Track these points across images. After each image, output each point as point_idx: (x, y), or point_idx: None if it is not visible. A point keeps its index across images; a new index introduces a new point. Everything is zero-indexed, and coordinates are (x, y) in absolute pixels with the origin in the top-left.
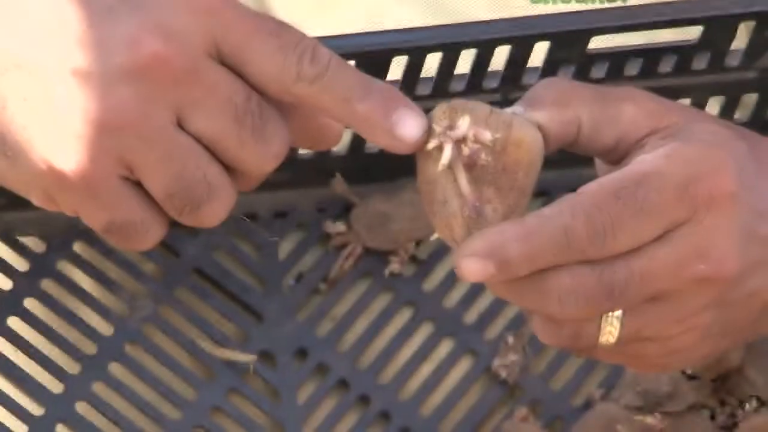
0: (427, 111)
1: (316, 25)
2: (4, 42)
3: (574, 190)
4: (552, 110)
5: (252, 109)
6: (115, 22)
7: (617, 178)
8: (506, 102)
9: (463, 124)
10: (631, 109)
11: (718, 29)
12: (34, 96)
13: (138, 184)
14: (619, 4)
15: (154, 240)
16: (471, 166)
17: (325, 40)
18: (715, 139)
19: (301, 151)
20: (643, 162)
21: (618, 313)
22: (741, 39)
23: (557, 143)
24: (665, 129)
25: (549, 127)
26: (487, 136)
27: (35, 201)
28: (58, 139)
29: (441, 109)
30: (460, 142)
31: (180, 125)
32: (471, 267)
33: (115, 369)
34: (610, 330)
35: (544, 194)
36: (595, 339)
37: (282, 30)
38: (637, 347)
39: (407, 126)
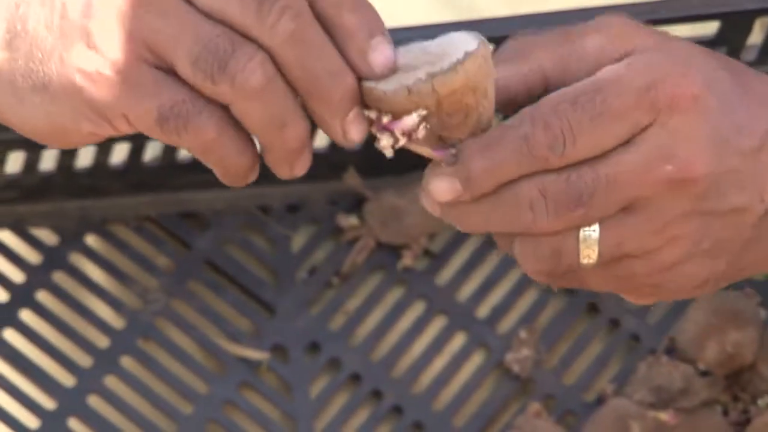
0: None
1: None
2: None
3: None
4: (509, 65)
5: None
6: None
7: (577, 87)
8: None
9: (406, 121)
10: (595, 39)
11: (735, 25)
12: (53, 6)
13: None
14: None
15: (217, 119)
16: (416, 138)
17: None
18: (685, 53)
19: (315, 145)
20: (603, 71)
21: (595, 227)
22: (757, 35)
23: (524, 96)
24: (636, 50)
25: (509, 83)
26: (408, 124)
27: (85, 127)
28: (85, 41)
29: (367, 95)
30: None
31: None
32: (438, 187)
33: (128, 362)
34: (589, 246)
35: None
36: (576, 257)
37: None
38: (622, 267)
39: (381, 54)
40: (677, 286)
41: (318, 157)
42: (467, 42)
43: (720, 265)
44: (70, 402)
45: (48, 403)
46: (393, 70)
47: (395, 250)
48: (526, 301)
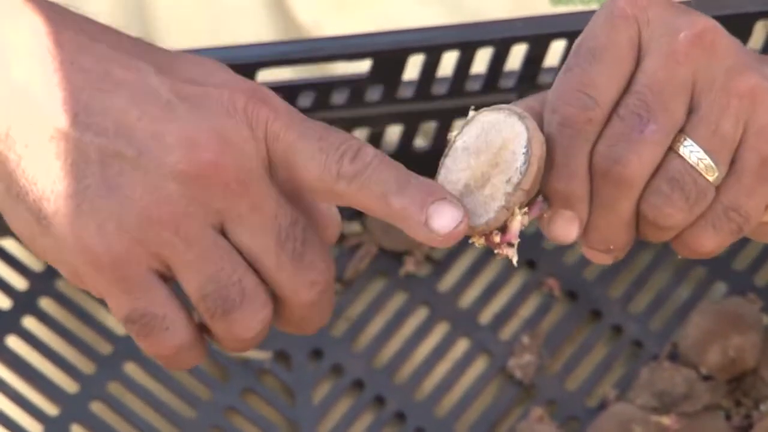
0: (443, 110)
1: (333, 25)
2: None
3: None
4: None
5: (296, 234)
6: (173, 119)
7: None
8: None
9: (515, 227)
10: None
11: (736, 27)
12: (81, 172)
13: (168, 282)
14: None
15: (176, 341)
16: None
17: (340, 39)
18: None
19: None
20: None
21: (688, 143)
22: (758, 37)
23: None
24: None
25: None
26: (517, 228)
27: (63, 274)
28: (99, 220)
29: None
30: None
31: (222, 232)
32: (563, 233)
33: (131, 368)
34: (696, 157)
35: None
36: (696, 174)
37: (327, 132)
38: (747, 160)
39: (442, 218)
40: None
41: None
42: (508, 122)
43: None
44: (73, 408)
45: (51, 409)
46: (461, 220)
47: (397, 257)
48: (528, 306)
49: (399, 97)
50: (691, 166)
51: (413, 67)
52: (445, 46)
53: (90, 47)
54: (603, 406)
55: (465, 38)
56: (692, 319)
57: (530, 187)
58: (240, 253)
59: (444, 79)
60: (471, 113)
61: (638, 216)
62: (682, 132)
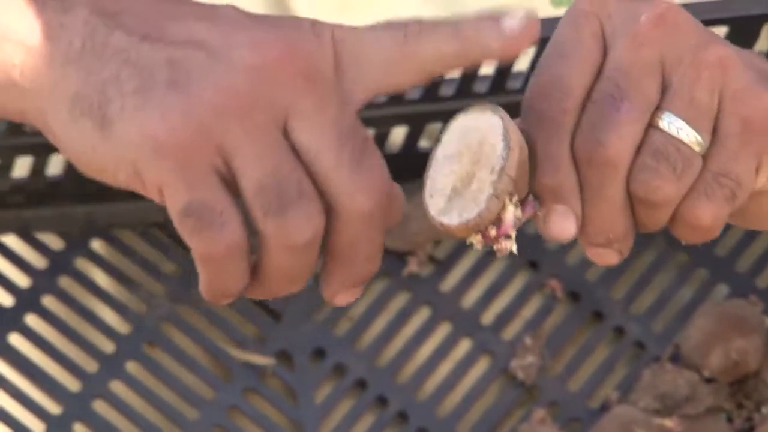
0: (451, 112)
1: None
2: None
3: None
4: None
5: (356, 140)
6: (242, 28)
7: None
8: None
9: (509, 217)
10: None
11: (742, 30)
12: (150, 73)
13: (229, 183)
14: None
15: (231, 239)
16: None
17: None
18: None
19: None
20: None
21: (669, 118)
22: (765, 40)
23: None
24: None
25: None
26: (511, 219)
27: (120, 176)
28: (165, 108)
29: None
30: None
31: (284, 133)
32: (559, 224)
33: (133, 368)
34: (676, 128)
35: None
36: (682, 145)
37: (387, 20)
38: (730, 125)
39: (512, 19)
40: None
41: None
42: (481, 119)
43: None
44: (76, 407)
45: (53, 407)
46: (533, 22)
47: (400, 257)
48: (531, 307)
49: (406, 99)
50: (673, 136)
51: None
52: None
53: None
54: (605, 407)
55: None
56: (694, 322)
57: (515, 173)
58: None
59: (451, 81)
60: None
61: (631, 200)
62: (659, 108)
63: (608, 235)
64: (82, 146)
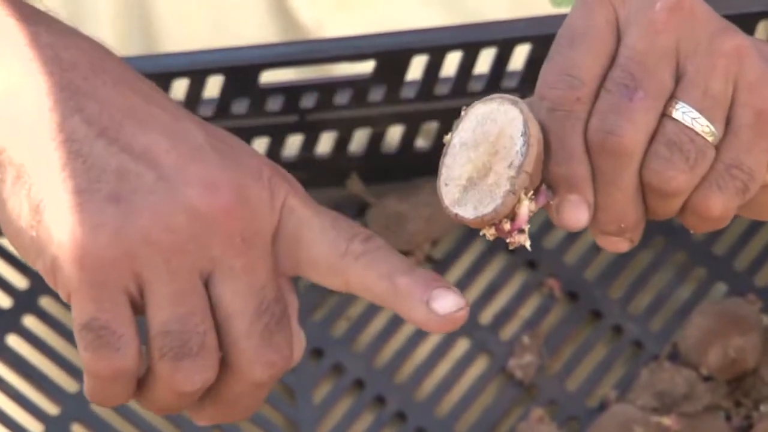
0: (446, 111)
1: (335, 25)
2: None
3: None
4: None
5: (274, 312)
6: (201, 159)
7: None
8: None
9: (524, 212)
10: None
11: (739, 27)
12: (96, 176)
13: (137, 307)
14: None
15: (121, 364)
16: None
17: (344, 40)
18: None
19: (317, 151)
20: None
21: (679, 105)
22: (760, 37)
23: None
24: None
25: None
26: (526, 213)
27: (38, 265)
28: (98, 221)
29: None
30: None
31: (206, 285)
32: (574, 219)
33: None
34: (690, 118)
35: None
36: (695, 135)
37: (340, 217)
38: (743, 116)
39: (445, 300)
40: None
41: (321, 163)
42: (501, 110)
43: None
44: (74, 407)
45: (51, 408)
46: (461, 307)
47: None
48: (529, 307)
49: (401, 98)
50: (687, 126)
51: (416, 67)
52: (449, 47)
53: (136, 81)
54: (603, 406)
55: (468, 39)
56: (692, 320)
57: (533, 169)
58: (213, 312)
59: (447, 80)
60: (463, 111)
61: (643, 189)
62: (673, 97)
63: (620, 224)
64: (13, 221)
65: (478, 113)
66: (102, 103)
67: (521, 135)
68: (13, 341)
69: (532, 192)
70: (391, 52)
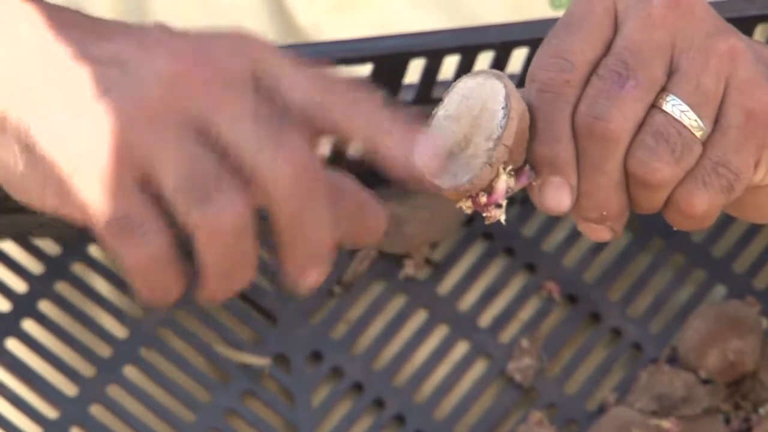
0: None
1: (333, 27)
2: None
3: None
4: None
5: (272, 121)
6: (163, 43)
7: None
8: None
9: (501, 186)
10: None
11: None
12: (66, 83)
13: (153, 195)
14: None
15: (153, 247)
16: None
17: (342, 43)
18: None
19: None
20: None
21: (671, 99)
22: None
23: None
24: None
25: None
26: (503, 188)
27: (48, 199)
28: (82, 128)
29: (451, 194)
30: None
31: (203, 135)
32: (554, 195)
33: (130, 372)
34: (679, 111)
35: None
36: (687, 132)
37: (319, 66)
38: (734, 115)
39: (427, 141)
40: None
41: None
42: (486, 84)
43: None
44: (73, 411)
45: (50, 412)
46: (440, 156)
47: (397, 260)
48: (528, 310)
49: (399, 101)
50: (675, 119)
51: (414, 69)
52: (447, 50)
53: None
54: (602, 409)
55: (466, 42)
56: (691, 323)
57: (512, 143)
58: (220, 153)
59: (445, 83)
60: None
61: (628, 179)
62: (664, 90)
63: (602, 212)
64: (5, 168)
65: (465, 87)
66: (73, 27)
67: (502, 108)
68: (12, 345)
69: (511, 168)
70: (388, 55)
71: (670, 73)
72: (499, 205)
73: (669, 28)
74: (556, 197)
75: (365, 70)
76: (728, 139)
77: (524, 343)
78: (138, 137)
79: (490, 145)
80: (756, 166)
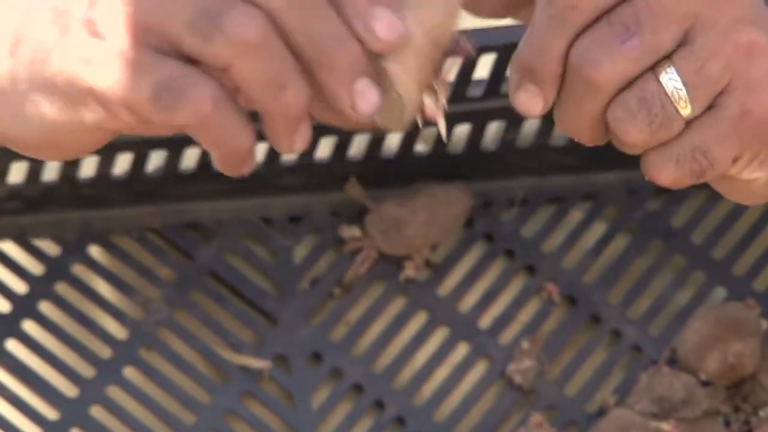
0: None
1: None
2: None
3: (591, 196)
4: None
5: None
6: None
7: None
8: None
9: (428, 106)
10: None
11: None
12: (56, 6)
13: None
14: None
15: (206, 96)
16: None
17: None
18: None
19: (317, 156)
20: None
21: (669, 70)
22: None
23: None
24: None
25: None
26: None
27: (90, 118)
28: (88, 30)
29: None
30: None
31: None
32: (523, 100)
33: (130, 373)
34: (677, 90)
35: (559, 200)
36: (670, 105)
37: None
38: (727, 109)
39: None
40: None
41: (320, 167)
42: None
43: None
44: (73, 412)
45: (50, 413)
46: (403, 38)
47: (397, 261)
48: (528, 311)
49: None
50: (666, 93)
51: None
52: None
53: None
54: (602, 411)
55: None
56: (691, 325)
57: (413, 63)
58: None
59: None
60: None
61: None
62: (668, 59)
63: (576, 137)
64: (40, 129)
65: None
66: None
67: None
68: (12, 346)
69: (434, 81)
70: None
71: (682, 43)
72: (435, 123)
73: (698, 1)
74: (528, 102)
75: None
76: (716, 129)
77: (524, 344)
78: (140, 8)
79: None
80: (735, 161)
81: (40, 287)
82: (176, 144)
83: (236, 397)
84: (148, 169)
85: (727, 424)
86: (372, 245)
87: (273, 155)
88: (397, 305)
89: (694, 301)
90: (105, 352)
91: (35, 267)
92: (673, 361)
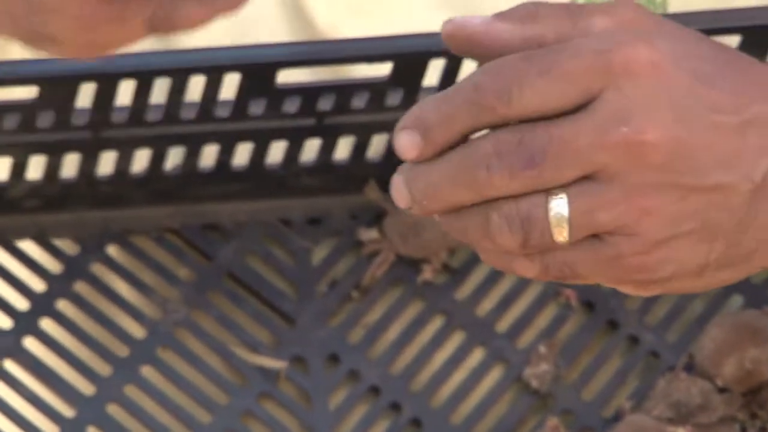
0: None
1: (353, 28)
2: None
3: None
4: (512, 25)
5: None
6: None
7: (539, 49)
8: None
9: None
10: (602, 20)
11: (756, 38)
12: None
13: None
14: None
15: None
16: None
17: (361, 41)
18: (669, 31)
19: (336, 158)
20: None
21: (562, 197)
22: None
23: None
24: None
25: (510, 43)
26: None
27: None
28: None
29: None
30: None
31: None
32: (402, 141)
33: (147, 372)
34: (560, 220)
35: None
36: (548, 231)
37: None
38: (605, 247)
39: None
40: (672, 272)
41: (339, 170)
42: None
43: (715, 249)
44: (90, 410)
45: (67, 411)
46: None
47: (415, 264)
48: (545, 316)
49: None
50: (548, 220)
51: (433, 71)
52: None
53: None
54: (619, 416)
55: None
56: (709, 331)
57: None
58: None
59: None
60: None
61: None
62: (565, 188)
63: (423, 201)
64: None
65: None
66: None
67: None
68: (30, 344)
69: None
70: (408, 54)
71: (585, 177)
72: None
73: (619, 158)
74: (407, 148)
75: (384, 69)
76: (587, 256)
77: (541, 349)
78: None
79: None
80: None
81: (59, 286)
82: (195, 140)
83: (253, 397)
84: (167, 167)
85: (743, 430)
86: (390, 248)
87: (292, 156)
88: (414, 308)
89: (711, 308)
90: (123, 350)
91: (54, 266)
92: (690, 367)
